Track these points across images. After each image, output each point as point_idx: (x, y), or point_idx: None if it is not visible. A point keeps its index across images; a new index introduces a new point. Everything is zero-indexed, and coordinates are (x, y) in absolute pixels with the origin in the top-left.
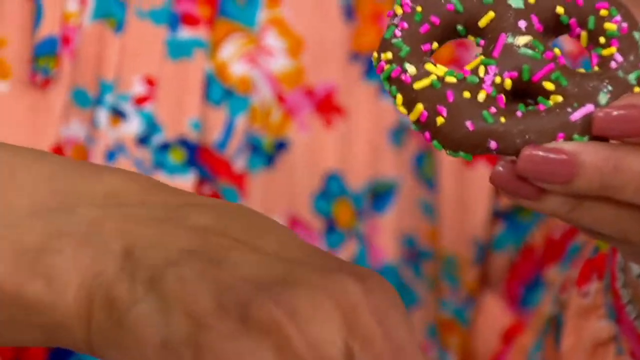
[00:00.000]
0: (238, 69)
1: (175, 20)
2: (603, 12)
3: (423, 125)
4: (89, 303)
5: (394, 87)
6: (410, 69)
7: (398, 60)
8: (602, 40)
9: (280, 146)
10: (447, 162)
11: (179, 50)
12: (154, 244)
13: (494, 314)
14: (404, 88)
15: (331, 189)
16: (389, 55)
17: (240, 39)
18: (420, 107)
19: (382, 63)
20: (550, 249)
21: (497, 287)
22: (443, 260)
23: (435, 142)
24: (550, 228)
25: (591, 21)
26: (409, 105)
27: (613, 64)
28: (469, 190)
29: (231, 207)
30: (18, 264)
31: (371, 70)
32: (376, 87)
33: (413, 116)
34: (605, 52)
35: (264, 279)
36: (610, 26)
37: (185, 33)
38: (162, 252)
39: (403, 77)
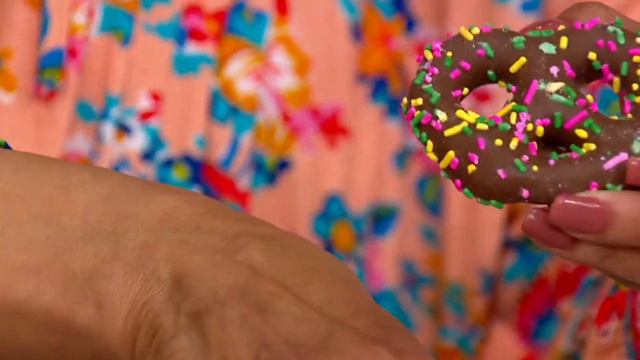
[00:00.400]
0: (244, 87)
1: (183, 35)
2: (636, 59)
3: (454, 172)
4: (135, 330)
5: (424, 134)
6: (442, 115)
7: (429, 106)
8: (635, 87)
9: (283, 165)
10: (453, 189)
11: (185, 66)
12: (203, 276)
13: (505, 345)
14: (435, 135)
15: (331, 210)
16: (420, 101)
17: (247, 56)
18: (451, 154)
19: (412, 109)
20: (564, 281)
21: (507, 318)
22: (447, 288)
23: (466, 190)
24: (564, 260)
25: (624, 67)
26: (440, 152)
27: None
28: (478, 219)
29: (286, 242)
30: (69, 289)
31: (377, 92)
32: (382, 109)
33: (444, 163)
34: (638, 99)
35: (303, 340)
36: None
37: (192, 48)
38: (210, 286)
39: (434, 123)
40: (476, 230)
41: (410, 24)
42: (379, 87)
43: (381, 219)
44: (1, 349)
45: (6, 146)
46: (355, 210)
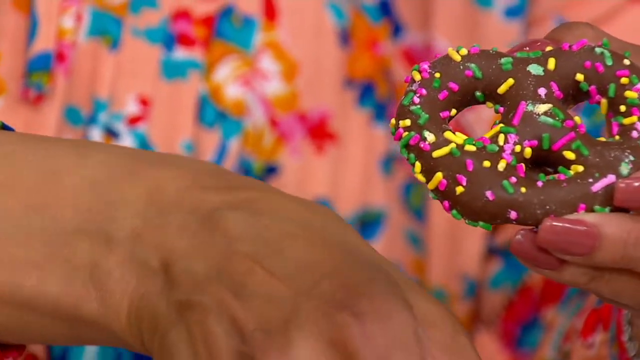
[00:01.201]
0: (232, 92)
1: (171, 40)
2: (624, 80)
3: (442, 194)
4: (139, 323)
5: (412, 155)
6: (429, 136)
7: (417, 127)
8: (622, 108)
9: (271, 170)
10: None
11: (173, 71)
12: (184, 263)
13: (489, 352)
14: (423, 156)
15: None
16: (407, 122)
17: (235, 61)
18: (439, 175)
19: (400, 130)
20: (549, 289)
21: (492, 325)
22: (430, 293)
23: (454, 212)
24: None
25: (611, 89)
26: (428, 173)
27: (634, 134)
28: (461, 225)
29: (262, 207)
30: (71, 284)
31: (364, 97)
32: (369, 115)
33: (432, 185)
34: (626, 120)
35: (272, 321)
36: (631, 94)
37: (181, 53)
38: (189, 273)
39: (422, 145)
40: (459, 237)
41: (396, 29)
42: (366, 92)
43: (368, 223)
44: (15, 336)
45: (3, 126)
46: (343, 215)
